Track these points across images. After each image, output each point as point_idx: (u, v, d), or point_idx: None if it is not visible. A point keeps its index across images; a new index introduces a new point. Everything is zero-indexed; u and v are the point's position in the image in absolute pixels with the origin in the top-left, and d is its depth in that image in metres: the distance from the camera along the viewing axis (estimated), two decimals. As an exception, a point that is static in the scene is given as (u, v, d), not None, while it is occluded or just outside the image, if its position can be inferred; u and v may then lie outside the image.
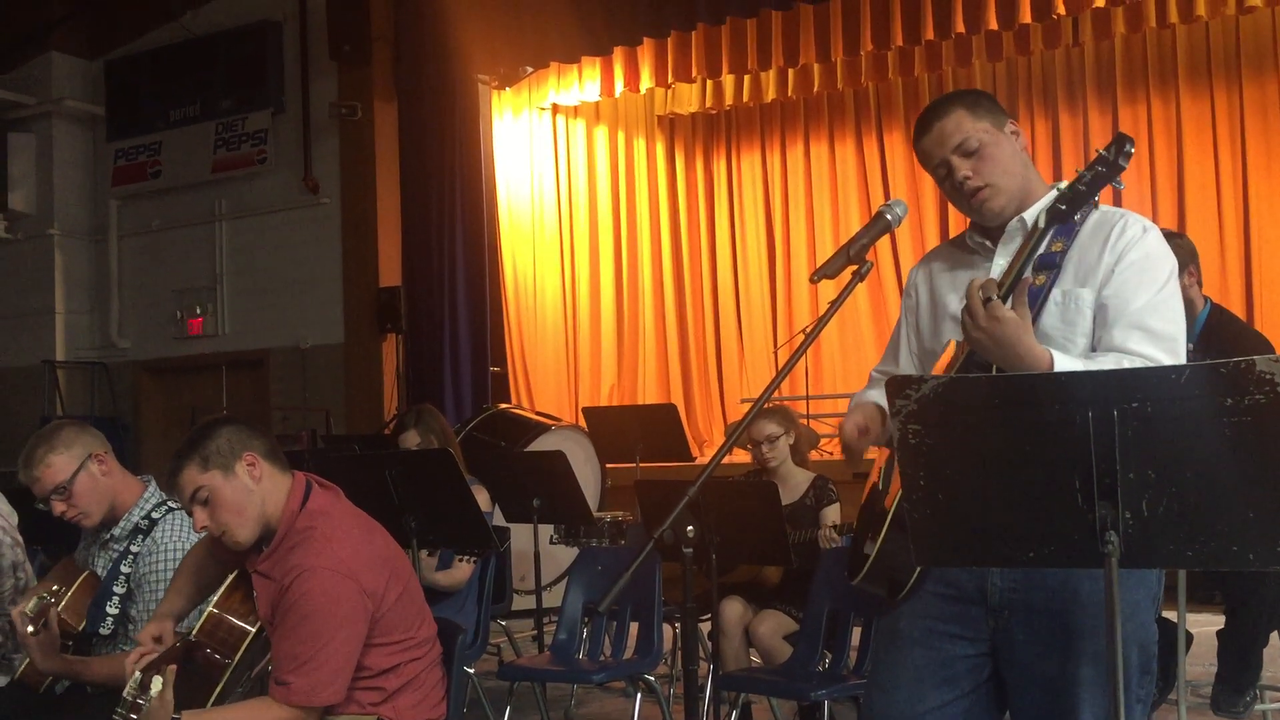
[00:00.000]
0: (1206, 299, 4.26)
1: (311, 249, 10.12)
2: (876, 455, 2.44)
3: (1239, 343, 4.05)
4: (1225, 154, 9.69)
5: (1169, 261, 2.28)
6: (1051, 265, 2.22)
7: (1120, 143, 2.11)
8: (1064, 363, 2.12)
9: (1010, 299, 2.13)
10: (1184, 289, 4.07)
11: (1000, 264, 2.34)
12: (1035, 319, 2.19)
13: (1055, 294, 2.24)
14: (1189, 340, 4.10)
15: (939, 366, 2.32)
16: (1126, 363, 2.16)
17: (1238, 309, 8.90)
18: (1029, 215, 2.32)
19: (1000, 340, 2.10)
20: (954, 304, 2.40)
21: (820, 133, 11.41)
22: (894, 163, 10.99)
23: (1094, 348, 2.24)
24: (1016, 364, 2.10)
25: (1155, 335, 2.20)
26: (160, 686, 2.42)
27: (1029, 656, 2.22)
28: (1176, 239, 4.19)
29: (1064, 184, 2.38)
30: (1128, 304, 2.21)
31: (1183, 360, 2.22)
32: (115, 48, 11.14)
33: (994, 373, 2.19)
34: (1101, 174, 2.12)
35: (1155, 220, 2.33)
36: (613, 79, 10.10)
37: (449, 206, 9.55)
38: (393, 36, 9.88)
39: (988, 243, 2.39)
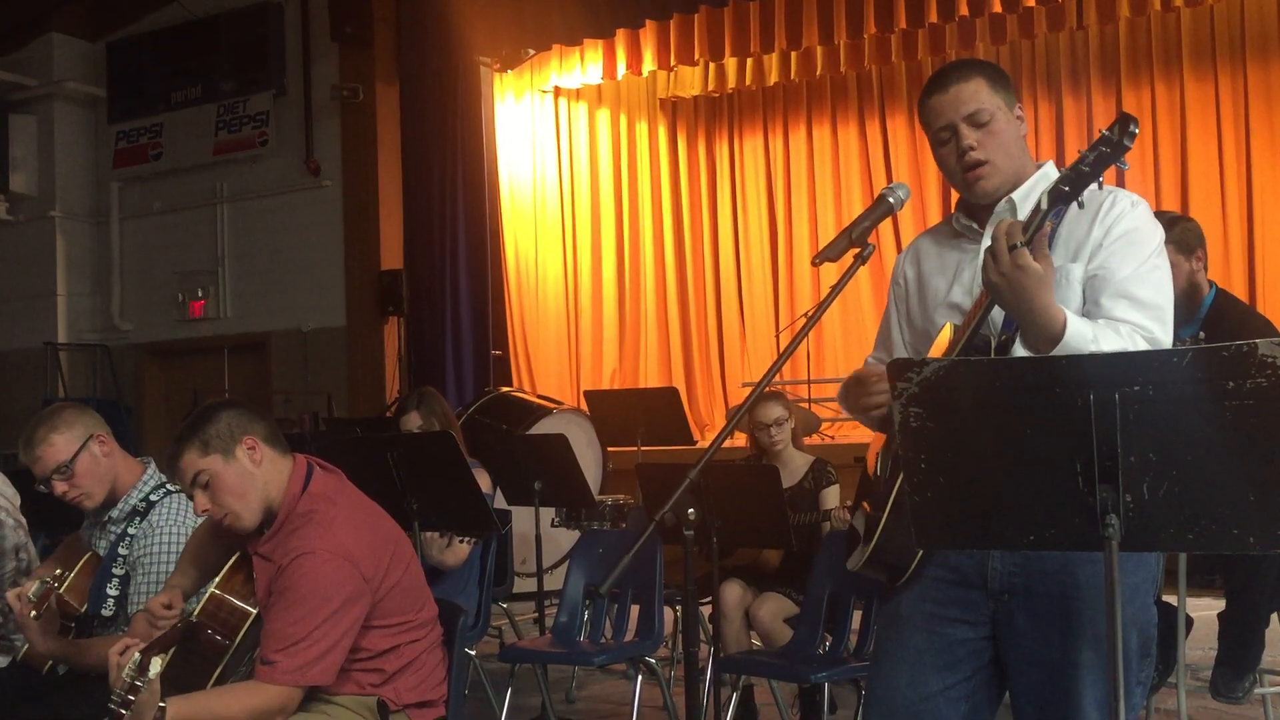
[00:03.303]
0: (1211, 283, 4.25)
1: (313, 232, 10.11)
2: (874, 440, 2.44)
3: (1243, 326, 4.04)
4: (1229, 138, 9.66)
5: (1157, 234, 2.27)
6: None
7: (1124, 123, 2.08)
8: (1076, 323, 2.11)
9: (1032, 246, 2.10)
10: (1192, 273, 4.06)
11: (989, 245, 2.32)
12: None
13: None
14: (1193, 326, 4.09)
15: (935, 350, 2.31)
16: (1123, 328, 2.16)
17: (1240, 292, 8.89)
18: (1017, 196, 2.31)
19: (1020, 290, 2.07)
20: (943, 287, 2.39)
21: (823, 116, 11.38)
22: (896, 146, 10.97)
23: None
24: (1030, 316, 2.09)
25: (1141, 303, 2.19)
26: (159, 668, 2.41)
27: (1029, 640, 2.22)
28: (1184, 222, 4.16)
29: (1049, 163, 2.37)
30: (1114, 274, 2.21)
31: (1170, 329, 2.22)
32: (116, 29, 11.11)
33: (992, 355, 2.19)
34: (1105, 154, 2.09)
35: (1158, 204, 2.32)
36: (615, 61, 10.07)
37: (450, 189, 9.54)
38: (394, 18, 9.85)
39: (975, 225, 2.38)
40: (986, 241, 2.32)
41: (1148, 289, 2.21)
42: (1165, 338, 2.20)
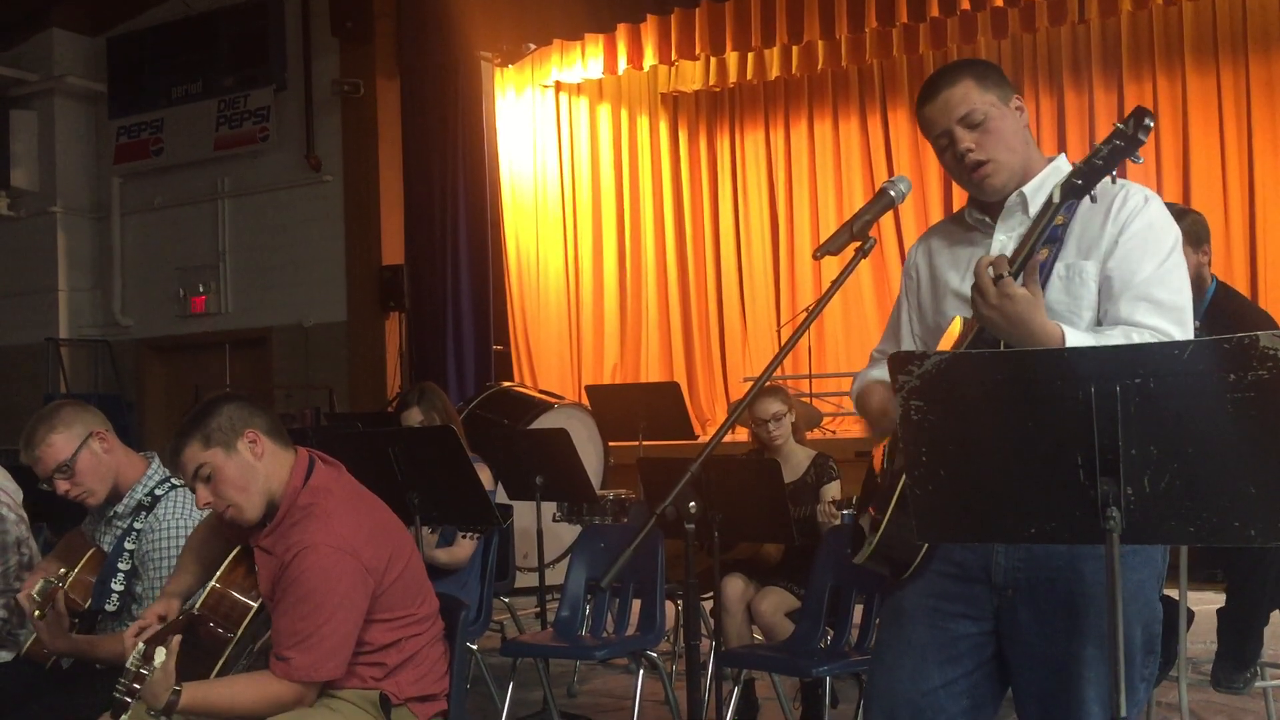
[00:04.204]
0: (1213, 277, 4.25)
1: (314, 227, 10.11)
2: (881, 433, 2.44)
3: (1244, 319, 4.04)
4: (1231, 132, 9.65)
5: (1172, 231, 2.25)
6: (1054, 239, 2.19)
7: (1139, 116, 2.07)
8: (1075, 338, 2.11)
9: (1021, 276, 2.11)
10: (1198, 266, 4.06)
11: (1000, 239, 2.32)
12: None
13: (1059, 268, 2.22)
14: (1196, 318, 4.09)
15: (945, 344, 2.31)
16: (1135, 335, 2.15)
17: (1242, 286, 8.89)
18: (1028, 189, 2.31)
19: (1012, 318, 2.08)
20: (955, 281, 2.39)
21: (824, 110, 11.37)
22: (898, 140, 10.96)
23: (1100, 321, 2.23)
24: (1028, 341, 2.09)
25: (1162, 306, 2.18)
26: (163, 657, 2.43)
27: (1033, 635, 2.22)
28: (1191, 216, 4.16)
29: (1062, 157, 2.37)
30: (1133, 275, 2.20)
31: (1190, 330, 2.21)
32: (117, 24, 11.11)
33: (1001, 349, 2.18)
34: (1119, 148, 2.08)
35: (1160, 198, 2.30)
36: (616, 56, 10.06)
37: (452, 184, 9.53)
38: (395, 13, 9.84)
39: (987, 219, 2.37)
40: (998, 237, 2.32)
41: (1168, 290, 2.19)
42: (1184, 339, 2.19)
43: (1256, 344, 1.69)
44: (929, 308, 2.47)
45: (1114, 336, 2.16)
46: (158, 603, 2.87)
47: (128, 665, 2.44)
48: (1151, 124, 2.07)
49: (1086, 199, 2.16)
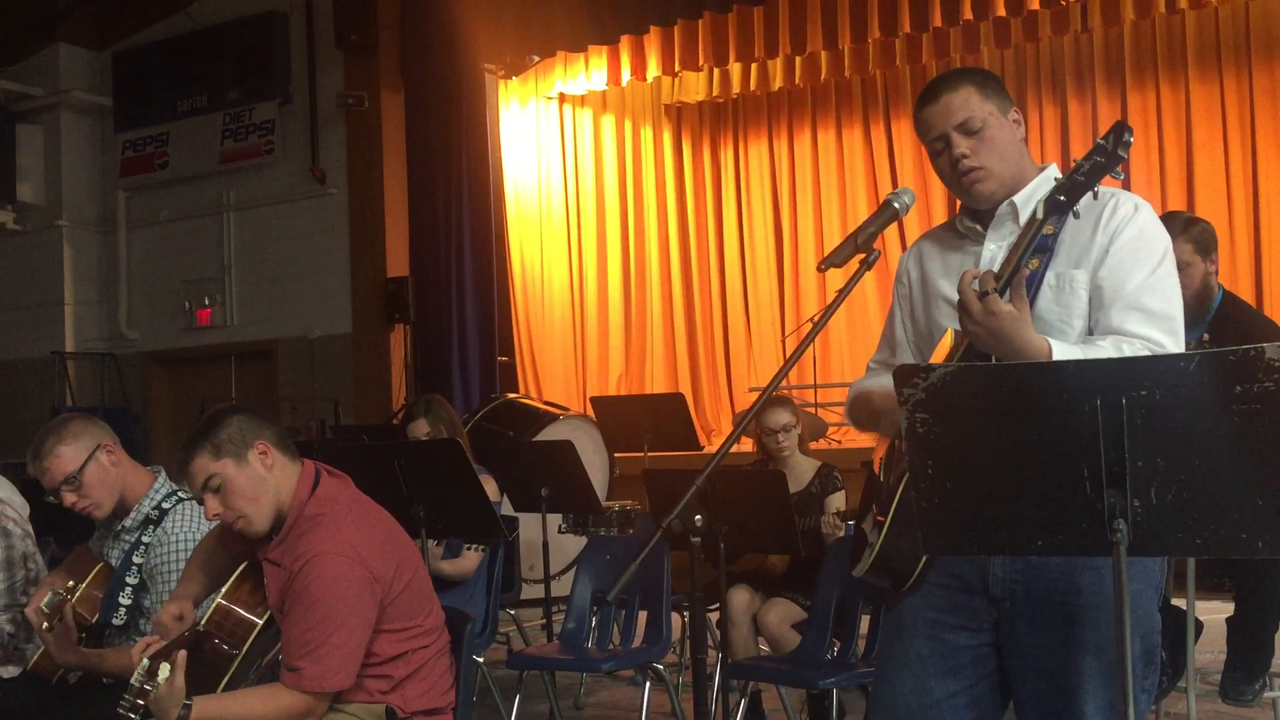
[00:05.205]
0: (1220, 286, 4.24)
1: (319, 239, 10.13)
2: (878, 445, 2.44)
3: (1248, 329, 4.03)
4: (1234, 140, 9.65)
5: (1163, 239, 2.25)
6: (1044, 249, 2.19)
7: (1119, 132, 2.08)
8: (1062, 351, 2.10)
9: (1008, 291, 2.11)
10: (1205, 275, 4.06)
11: (990, 248, 2.33)
12: (1031, 304, 2.16)
13: (1049, 277, 2.22)
14: (1202, 327, 4.08)
15: (938, 355, 2.31)
16: (1125, 345, 2.15)
17: (1246, 294, 8.88)
18: (1019, 199, 2.31)
19: (997, 334, 2.08)
20: (946, 288, 2.39)
21: (828, 121, 11.38)
22: (902, 151, 10.97)
23: (1091, 330, 2.23)
24: (1015, 356, 2.09)
25: (1153, 315, 2.18)
26: (168, 673, 2.43)
27: (1031, 647, 2.21)
28: (1200, 224, 4.15)
29: (1053, 166, 2.37)
30: (1123, 284, 2.19)
31: (1181, 339, 2.21)
32: (122, 39, 11.16)
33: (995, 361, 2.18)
34: (1100, 164, 2.09)
35: (1164, 207, 2.31)
36: (619, 68, 10.09)
37: (456, 196, 9.55)
38: (399, 26, 9.87)
39: (978, 227, 2.38)
40: (989, 245, 2.33)
41: (1159, 299, 2.19)
42: (1176, 349, 2.18)
43: (1262, 356, 1.69)
44: (921, 314, 2.47)
45: (1105, 348, 2.15)
46: (171, 604, 2.87)
47: (132, 682, 2.43)
48: (1130, 139, 2.07)
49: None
